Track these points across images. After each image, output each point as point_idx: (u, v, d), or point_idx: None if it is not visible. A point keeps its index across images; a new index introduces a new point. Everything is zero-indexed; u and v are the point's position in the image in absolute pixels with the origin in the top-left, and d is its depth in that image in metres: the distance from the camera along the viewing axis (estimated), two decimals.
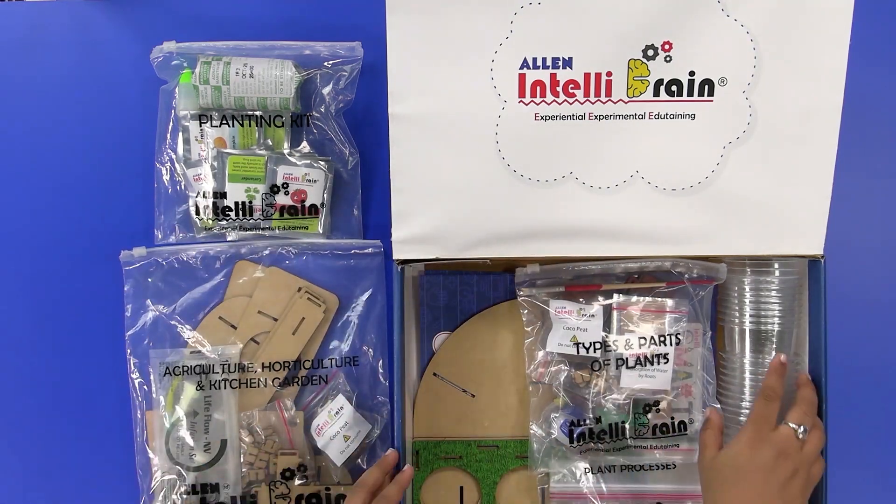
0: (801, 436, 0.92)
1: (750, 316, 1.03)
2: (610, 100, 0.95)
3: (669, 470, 1.09)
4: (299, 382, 1.13)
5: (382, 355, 1.14)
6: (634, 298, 1.06)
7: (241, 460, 1.10)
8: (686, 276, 1.05)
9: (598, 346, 1.05)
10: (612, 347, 1.05)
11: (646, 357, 1.05)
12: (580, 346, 1.05)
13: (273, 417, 1.11)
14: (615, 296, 1.06)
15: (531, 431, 1.08)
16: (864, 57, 0.99)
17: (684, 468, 1.08)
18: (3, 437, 1.16)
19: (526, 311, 1.08)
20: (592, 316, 1.06)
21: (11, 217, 1.16)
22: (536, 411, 1.09)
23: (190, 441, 1.10)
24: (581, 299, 1.06)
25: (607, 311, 1.07)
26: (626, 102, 0.95)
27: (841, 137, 0.96)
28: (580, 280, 1.07)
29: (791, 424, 0.92)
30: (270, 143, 1.11)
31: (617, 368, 1.05)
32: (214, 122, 1.10)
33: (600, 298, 1.06)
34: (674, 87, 0.95)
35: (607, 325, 1.07)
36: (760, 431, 0.92)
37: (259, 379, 1.11)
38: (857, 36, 0.93)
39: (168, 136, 1.12)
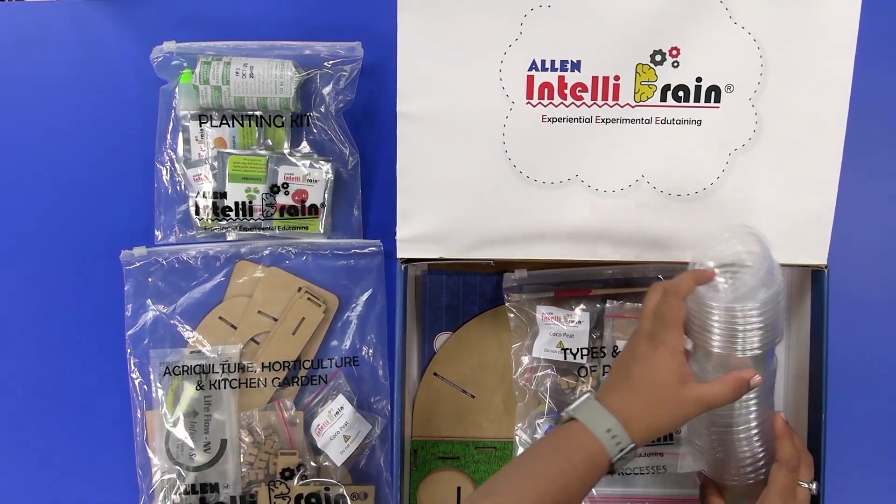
0: (814, 492, 0.88)
1: (720, 341, 0.82)
2: (617, 104, 0.91)
3: (659, 474, 1.05)
4: (299, 382, 1.08)
5: (382, 355, 1.10)
6: (628, 305, 1.03)
7: (241, 460, 1.06)
8: None
9: (584, 352, 1.02)
10: (601, 355, 1.03)
11: None
12: (567, 351, 1.02)
13: (273, 417, 1.07)
14: (609, 302, 1.03)
15: (516, 437, 1.05)
16: (870, 65, 0.94)
17: (674, 473, 1.04)
18: (3, 437, 1.11)
19: (513, 317, 1.04)
20: (579, 322, 1.02)
21: (12, 217, 1.11)
22: (522, 416, 1.05)
23: (190, 441, 1.05)
24: (570, 305, 1.03)
25: (599, 318, 1.03)
26: (633, 107, 0.92)
27: (846, 145, 0.92)
28: (568, 286, 1.03)
29: (804, 484, 0.87)
30: (270, 143, 1.07)
31: (604, 375, 1.02)
32: (214, 122, 1.06)
33: (588, 305, 1.03)
34: (681, 93, 0.91)
35: (599, 333, 1.03)
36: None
37: (259, 379, 1.07)
38: (863, 44, 0.90)
39: (168, 136, 1.08)
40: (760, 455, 0.87)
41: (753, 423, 0.86)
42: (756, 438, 0.87)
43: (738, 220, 0.92)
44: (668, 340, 0.80)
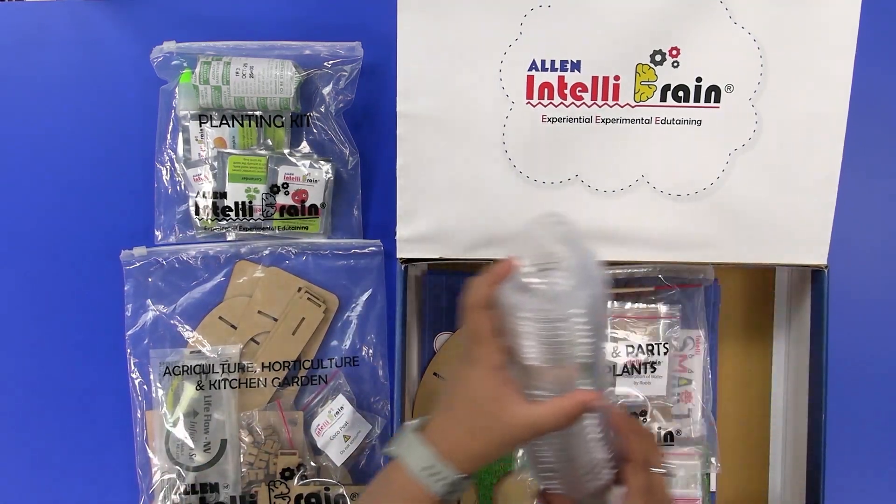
0: (673, 474, 0.81)
1: (540, 353, 0.69)
2: (617, 104, 0.91)
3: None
4: (299, 382, 1.08)
5: (382, 355, 1.09)
6: (628, 306, 1.02)
7: (241, 460, 1.05)
8: (675, 280, 1.01)
9: None
10: None
11: (633, 365, 1.01)
12: None
13: (273, 417, 1.06)
14: (609, 303, 1.02)
15: None
16: (870, 65, 0.94)
17: (674, 474, 1.03)
18: (3, 437, 1.11)
19: None
20: None
21: (12, 217, 1.11)
22: None
23: (190, 441, 1.05)
24: None
25: None
26: (633, 107, 0.91)
27: (846, 145, 0.91)
28: None
29: (658, 470, 0.76)
30: (270, 143, 1.07)
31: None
32: (214, 122, 1.05)
33: None
34: (681, 93, 0.91)
35: None
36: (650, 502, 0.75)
37: (259, 379, 1.06)
38: (863, 44, 0.89)
39: (168, 136, 1.07)
40: (605, 457, 0.75)
41: (592, 428, 0.73)
42: (598, 442, 0.74)
43: (737, 220, 0.93)
44: (481, 357, 0.70)
